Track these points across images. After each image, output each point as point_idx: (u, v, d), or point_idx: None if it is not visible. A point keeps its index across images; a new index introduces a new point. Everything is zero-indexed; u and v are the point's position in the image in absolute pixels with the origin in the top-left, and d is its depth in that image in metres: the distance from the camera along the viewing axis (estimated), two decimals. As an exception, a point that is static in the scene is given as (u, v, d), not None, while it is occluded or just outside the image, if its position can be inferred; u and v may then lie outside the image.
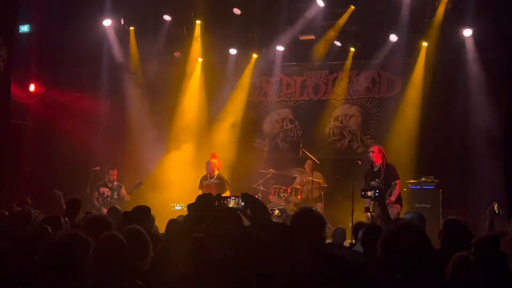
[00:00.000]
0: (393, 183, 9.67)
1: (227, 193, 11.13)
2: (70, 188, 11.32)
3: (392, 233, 2.84)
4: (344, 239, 7.87)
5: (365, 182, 10.03)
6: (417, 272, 2.65)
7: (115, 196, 11.84)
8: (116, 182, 11.91)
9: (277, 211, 11.57)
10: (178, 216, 6.88)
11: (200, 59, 14.49)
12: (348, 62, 13.78)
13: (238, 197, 3.10)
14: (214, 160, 11.84)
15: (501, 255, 2.95)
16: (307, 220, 3.68)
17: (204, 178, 11.83)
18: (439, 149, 12.24)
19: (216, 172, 11.73)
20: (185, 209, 3.31)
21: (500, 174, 10.98)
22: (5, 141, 11.03)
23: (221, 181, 11.58)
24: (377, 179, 9.86)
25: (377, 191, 5.67)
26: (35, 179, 12.86)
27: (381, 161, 9.94)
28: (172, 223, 6.00)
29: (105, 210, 9.81)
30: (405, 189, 11.37)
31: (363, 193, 5.83)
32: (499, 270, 3.06)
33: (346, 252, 5.43)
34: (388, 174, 9.83)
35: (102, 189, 12.02)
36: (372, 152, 10.08)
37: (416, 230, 2.86)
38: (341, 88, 14.16)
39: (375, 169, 10.01)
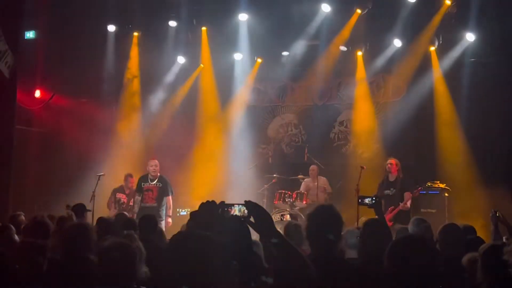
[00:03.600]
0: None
1: (170, 197, 11.30)
2: (76, 193, 11.37)
3: (398, 245, 2.83)
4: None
5: (379, 190, 10.68)
6: (424, 282, 2.65)
7: (131, 203, 11.83)
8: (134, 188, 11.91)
9: (287, 216, 11.60)
10: (182, 226, 6.90)
11: (202, 65, 14.50)
12: (353, 66, 13.77)
13: (241, 204, 3.08)
14: (157, 162, 11.53)
15: (504, 264, 2.96)
16: (324, 224, 3.56)
17: (143, 180, 11.45)
18: (445, 153, 12.22)
19: (158, 175, 11.43)
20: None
21: (504, 179, 10.97)
22: (11, 146, 11.09)
23: (164, 184, 11.34)
24: (392, 188, 10.67)
25: (373, 198, 5.66)
26: (40, 184, 12.91)
27: (397, 174, 10.76)
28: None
29: None
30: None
31: (360, 200, 5.82)
32: (503, 278, 3.06)
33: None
34: (405, 185, 10.66)
35: (119, 195, 12.09)
36: (390, 164, 10.84)
37: (421, 241, 2.86)
38: (346, 92, 14.17)
39: (391, 179, 10.79)
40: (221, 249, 2.61)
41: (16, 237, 6.07)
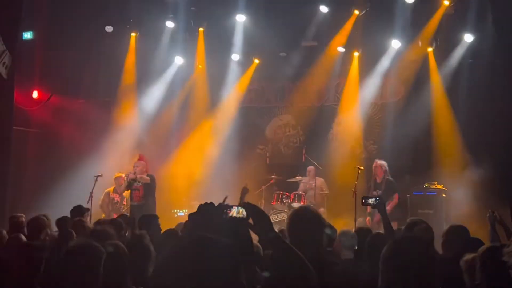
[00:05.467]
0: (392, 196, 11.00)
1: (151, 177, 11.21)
2: (73, 194, 11.36)
3: (394, 248, 2.81)
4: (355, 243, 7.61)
5: (369, 191, 11.15)
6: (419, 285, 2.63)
7: (124, 202, 11.91)
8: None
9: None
10: (177, 225, 6.91)
11: (200, 66, 14.50)
12: (351, 67, 13.79)
13: (240, 206, 3.08)
14: (142, 162, 11.45)
15: (503, 265, 2.96)
16: (303, 222, 3.57)
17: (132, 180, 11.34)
18: (442, 154, 12.22)
19: (145, 175, 11.33)
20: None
21: (504, 180, 10.96)
22: (9, 147, 11.07)
23: (149, 180, 11.27)
24: (378, 190, 11.07)
25: (377, 198, 5.68)
26: (38, 184, 12.89)
27: (383, 175, 11.18)
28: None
29: (115, 215, 10.07)
30: (408, 195, 11.39)
31: (363, 201, 5.82)
32: (502, 280, 3.06)
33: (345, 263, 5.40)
34: (390, 185, 11.10)
35: (112, 195, 12.14)
36: (375, 167, 11.34)
37: (419, 244, 2.84)
38: (344, 93, 14.17)
39: (378, 181, 11.23)
40: (232, 253, 2.59)
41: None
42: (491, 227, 6.27)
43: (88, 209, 8.30)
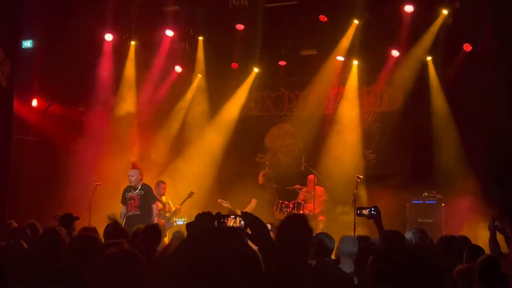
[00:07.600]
0: None
1: (155, 204, 11.07)
2: (72, 203, 11.35)
3: (381, 257, 2.79)
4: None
5: None
6: None
7: (167, 209, 11.91)
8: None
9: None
10: (175, 232, 6.88)
11: (199, 75, 14.52)
12: (351, 76, 13.80)
13: (238, 216, 3.07)
14: (137, 170, 11.26)
15: (502, 276, 2.95)
16: (293, 230, 3.59)
17: (127, 190, 11.16)
18: (442, 163, 12.21)
19: (140, 183, 11.18)
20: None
21: (504, 189, 10.96)
22: (7, 156, 11.05)
23: (146, 191, 11.08)
24: None
25: (372, 209, 5.60)
26: (37, 193, 12.86)
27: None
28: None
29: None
30: (407, 204, 11.36)
31: (358, 212, 5.76)
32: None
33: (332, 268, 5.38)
34: None
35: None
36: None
37: (406, 252, 2.82)
38: (343, 102, 14.16)
39: None
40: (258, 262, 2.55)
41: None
42: (491, 235, 6.24)
43: (77, 218, 8.16)
